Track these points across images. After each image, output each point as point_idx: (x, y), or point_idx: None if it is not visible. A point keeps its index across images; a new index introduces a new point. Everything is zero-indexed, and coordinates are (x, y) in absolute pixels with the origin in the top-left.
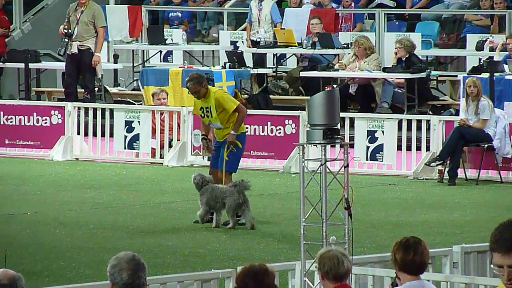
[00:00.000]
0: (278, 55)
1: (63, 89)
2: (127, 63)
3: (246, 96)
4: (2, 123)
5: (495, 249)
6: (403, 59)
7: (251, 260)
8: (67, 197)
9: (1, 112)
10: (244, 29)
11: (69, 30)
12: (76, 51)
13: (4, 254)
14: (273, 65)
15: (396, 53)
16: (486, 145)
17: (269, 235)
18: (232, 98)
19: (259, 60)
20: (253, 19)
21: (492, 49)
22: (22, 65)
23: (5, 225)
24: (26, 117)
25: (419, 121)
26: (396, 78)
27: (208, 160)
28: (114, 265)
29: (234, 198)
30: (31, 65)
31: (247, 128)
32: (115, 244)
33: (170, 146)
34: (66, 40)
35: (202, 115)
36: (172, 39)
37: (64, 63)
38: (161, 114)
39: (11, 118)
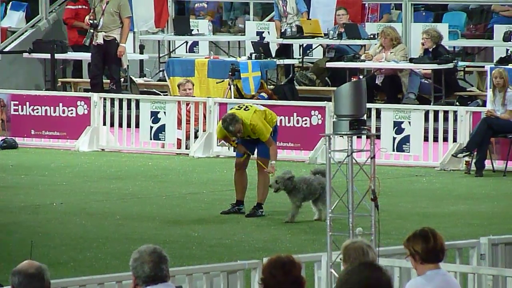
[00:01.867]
0: (304, 45)
1: (89, 80)
2: (153, 54)
3: (272, 86)
4: (28, 113)
5: None
6: (430, 49)
7: (277, 251)
8: (93, 188)
9: (27, 103)
10: (271, 20)
11: (95, 21)
12: (102, 42)
13: (30, 244)
14: (299, 55)
15: (423, 44)
16: None
17: (295, 226)
18: (265, 123)
19: (284, 51)
20: (282, 14)
21: None
22: (48, 56)
23: (32, 216)
24: (52, 108)
25: (446, 112)
26: (423, 69)
27: (233, 152)
28: (136, 259)
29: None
30: (57, 56)
31: None
32: (141, 234)
33: (196, 137)
34: (92, 30)
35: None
36: (198, 30)
37: (90, 54)
38: (187, 104)
39: (37, 109)
